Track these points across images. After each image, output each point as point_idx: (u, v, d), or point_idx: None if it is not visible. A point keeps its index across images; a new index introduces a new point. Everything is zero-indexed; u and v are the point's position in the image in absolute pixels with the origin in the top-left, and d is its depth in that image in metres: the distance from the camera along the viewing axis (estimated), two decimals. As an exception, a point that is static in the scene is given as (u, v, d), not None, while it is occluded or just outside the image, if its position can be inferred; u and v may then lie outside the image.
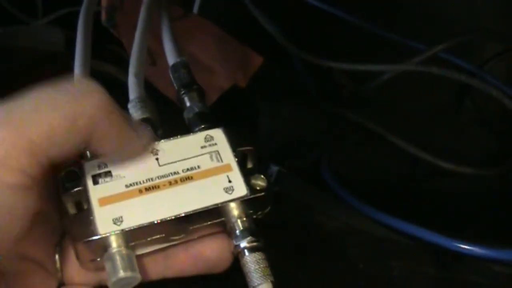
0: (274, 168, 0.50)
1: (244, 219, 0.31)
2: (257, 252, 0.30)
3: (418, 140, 0.57)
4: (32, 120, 0.26)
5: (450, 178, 0.56)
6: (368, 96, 0.63)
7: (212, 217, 0.31)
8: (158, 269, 0.32)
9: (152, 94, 0.36)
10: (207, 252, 0.32)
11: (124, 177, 0.31)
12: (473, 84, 0.57)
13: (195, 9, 0.60)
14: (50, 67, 0.52)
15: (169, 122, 0.35)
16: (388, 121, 0.58)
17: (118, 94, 0.38)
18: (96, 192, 0.30)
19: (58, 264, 0.31)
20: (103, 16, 0.51)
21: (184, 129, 0.34)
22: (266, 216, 0.33)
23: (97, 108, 0.27)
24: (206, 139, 0.33)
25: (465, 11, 0.66)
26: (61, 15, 0.63)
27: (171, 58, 0.37)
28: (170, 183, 0.31)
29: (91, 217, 0.29)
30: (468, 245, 0.45)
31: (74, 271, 0.31)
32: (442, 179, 0.57)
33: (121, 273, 0.28)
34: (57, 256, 0.32)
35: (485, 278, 0.44)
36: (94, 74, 0.37)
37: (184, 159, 0.32)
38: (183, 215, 0.30)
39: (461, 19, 0.66)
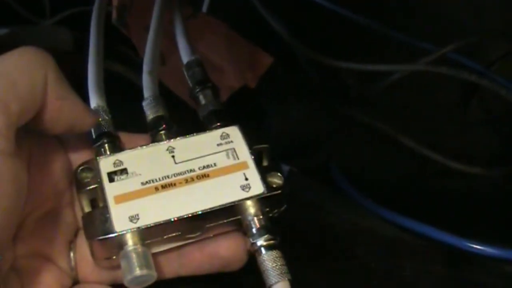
0: (285, 168, 0.50)
1: (261, 217, 0.31)
2: (274, 250, 0.30)
3: (427, 140, 0.57)
4: None
5: (458, 177, 0.56)
6: (376, 96, 0.63)
7: (228, 215, 0.31)
8: (172, 267, 0.32)
9: (162, 93, 0.36)
10: (222, 251, 0.32)
11: (140, 174, 0.31)
12: (482, 84, 0.57)
13: (204, 8, 0.60)
14: (58, 65, 0.52)
15: (179, 121, 0.35)
16: (397, 121, 0.58)
17: (127, 93, 0.39)
18: (112, 189, 0.30)
19: (72, 262, 0.31)
20: (114, 15, 0.51)
21: (195, 129, 0.34)
22: (280, 214, 0.32)
23: (49, 68, 0.29)
24: (222, 136, 0.33)
25: (474, 12, 0.66)
26: (69, 14, 0.63)
27: (185, 56, 0.37)
28: (186, 181, 0.31)
29: (107, 215, 0.29)
30: (478, 245, 0.45)
31: (88, 269, 0.31)
32: (450, 178, 0.57)
33: (137, 271, 0.28)
34: (71, 254, 0.32)
35: (495, 277, 0.44)
36: (104, 73, 0.37)
37: (200, 157, 0.32)
38: (199, 213, 0.30)
39: (470, 20, 0.66)
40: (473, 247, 0.45)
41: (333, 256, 0.45)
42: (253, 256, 0.31)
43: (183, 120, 0.35)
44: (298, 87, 0.62)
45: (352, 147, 0.58)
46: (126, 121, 0.35)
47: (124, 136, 0.34)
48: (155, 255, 0.31)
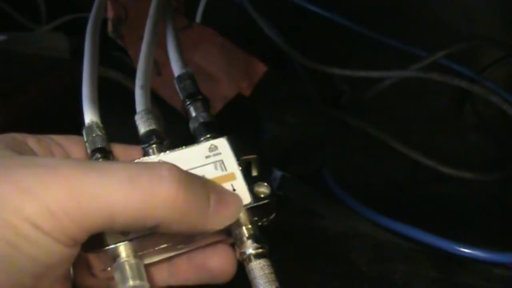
0: (278, 173, 0.50)
1: (249, 226, 0.31)
2: (262, 259, 0.30)
3: (419, 146, 0.57)
4: (98, 200, 0.26)
5: (450, 183, 0.57)
6: (369, 102, 0.63)
7: None
8: (163, 277, 0.33)
9: (157, 103, 0.37)
10: (209, 263, 0.32)
11: None
12: (473, 90, 0.58)
13: (198, 18, 0.61)
14: (55, 73, 0.53)
15: (175, 130, 0.36)
16: (389, 126, 0.59)
17: (124, 100, 0.39)
18: None
19: (71, 270, 0.32)
20: (109, 27, 0.51)
21: (190, 137, 0.35)
22: (270, 221, 0.33)
23: (165, 201, 0.27)
24: (211, 148, 0.33)
25: (465, 18, 0.67)
26: (65, 21, 0.64)
27: (176, 69, 0.38)
28: None
29: None
30: (469, 249, 0.46)
31: (86, 275, 0.32)
32: (442, 184, 0.57)
33: (130, 282, 0.29)
34: None
35: (485, 280, 0.45)
36: (100, 80, 0.38)
37: (190, 169, 0.32)
38: None
39: (461, 26, 0.66)
40: (462, 251, 0.46)
41: (325, 259, 0.46)
42: (242, 264, 0.32)
43: (179, 129, 0.36)
44: (293, 93, 0.62)
45: (346, 152, 0.59)
46: (123, 128, 0.35)
47: (118, 148, 0.35)
48: (146, 266, 0.31)
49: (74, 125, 0.35)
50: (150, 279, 0.31)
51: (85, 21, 0.42)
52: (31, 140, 0.31)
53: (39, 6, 0.66)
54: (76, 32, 0.45)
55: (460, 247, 0.46)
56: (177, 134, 0.35)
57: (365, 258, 0.46)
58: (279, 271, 0.30)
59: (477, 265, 0.46)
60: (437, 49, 0.61)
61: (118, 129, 0.36)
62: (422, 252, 0.47)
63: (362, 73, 0.60)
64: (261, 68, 0.55)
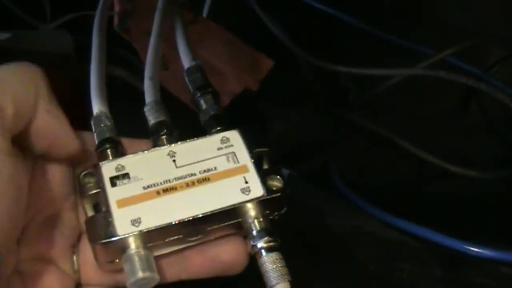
0: (285, 172, 0.50)
1: (261, 219, 0.31)
2: (274, 252, 0.30)
3: (425, 144, 0.57)
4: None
5: (457, 181, 0.56)
6: (375, 100, 0.63)
7: (229, 217, 0.31)
8: (174, 270, 0.32)
9: (164, 98, 0.37)
10: (222, 255, 0.32)
11: (141, 179, 0.31)
12: (480, 88, 0.58)
13: (205, 13, 0.61)
14: (59, 71, 0.52)
15: (181, 125, 0.35)
16: (396, 124, 0.59)
17: (129, 98, 0.39)
18: (114, 194, 0.31)
19: (75, 265, 0.32)
20: (116, 21, 0.51)
21: (197, 131, 0.34)
22: (280, 217, 0.33)
23: (41, 82, 0.30)
24: (222, 140, 0.33)
25: (472, 17, 0.67)
26: (70, 19, 0.63)
27: (186, 62, 0.37)
28: (187, 185, 0.31)
29: (110, 219, 0.30)
30: (475, 247, 0.46)
31: (91, 271, 0.32)
32: (449, 182, 0.57)
33: (140, 274, 0.29)
34: (74, 257, 0.32)
35: (492, 279, 0.45)
36: (106, 78, 0.37)
37: (201, 161, 0.32)
38: (200, 216, 0.30)
39: (468, 25, 0.66)
40: (470, 249, 0.46)
41: (332, 258, 0.45)
42: (253, 258, 0.31)
43: (186, 124, 0.36)
44: (299, 91, 0.62)
45: (351, 150, 0.59)
46: (128, 126, 0.35)
47: (126, 141, 0.34)
48: (157, 258, 0.31)
49: (78, 123, 0.35)
50: (161, 272, 0.31)
51: (89, 19, 0.42)
52: None
53: (43, 4, 0.66)
54: (80, 30, 0.44)
55: (467, 245, 0.46)
56: (184, 128, 0.35)
57: (372, 256, 0.46)
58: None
59: (484, 263, 0.46)
60: (444, 47, 0.61)
61: (124, 126, 0.35)
62: (429, 251, 0.47)
63: (369, 71, 0.60)
64: (267, 63, 0.55)
